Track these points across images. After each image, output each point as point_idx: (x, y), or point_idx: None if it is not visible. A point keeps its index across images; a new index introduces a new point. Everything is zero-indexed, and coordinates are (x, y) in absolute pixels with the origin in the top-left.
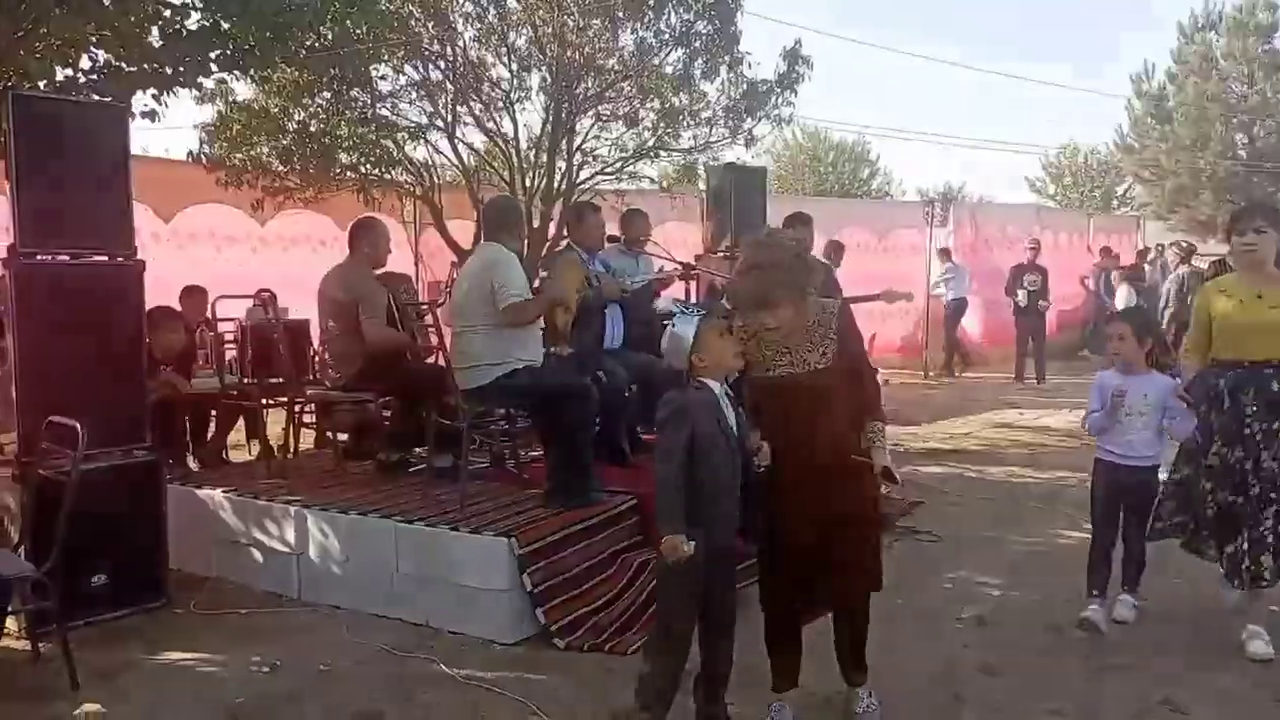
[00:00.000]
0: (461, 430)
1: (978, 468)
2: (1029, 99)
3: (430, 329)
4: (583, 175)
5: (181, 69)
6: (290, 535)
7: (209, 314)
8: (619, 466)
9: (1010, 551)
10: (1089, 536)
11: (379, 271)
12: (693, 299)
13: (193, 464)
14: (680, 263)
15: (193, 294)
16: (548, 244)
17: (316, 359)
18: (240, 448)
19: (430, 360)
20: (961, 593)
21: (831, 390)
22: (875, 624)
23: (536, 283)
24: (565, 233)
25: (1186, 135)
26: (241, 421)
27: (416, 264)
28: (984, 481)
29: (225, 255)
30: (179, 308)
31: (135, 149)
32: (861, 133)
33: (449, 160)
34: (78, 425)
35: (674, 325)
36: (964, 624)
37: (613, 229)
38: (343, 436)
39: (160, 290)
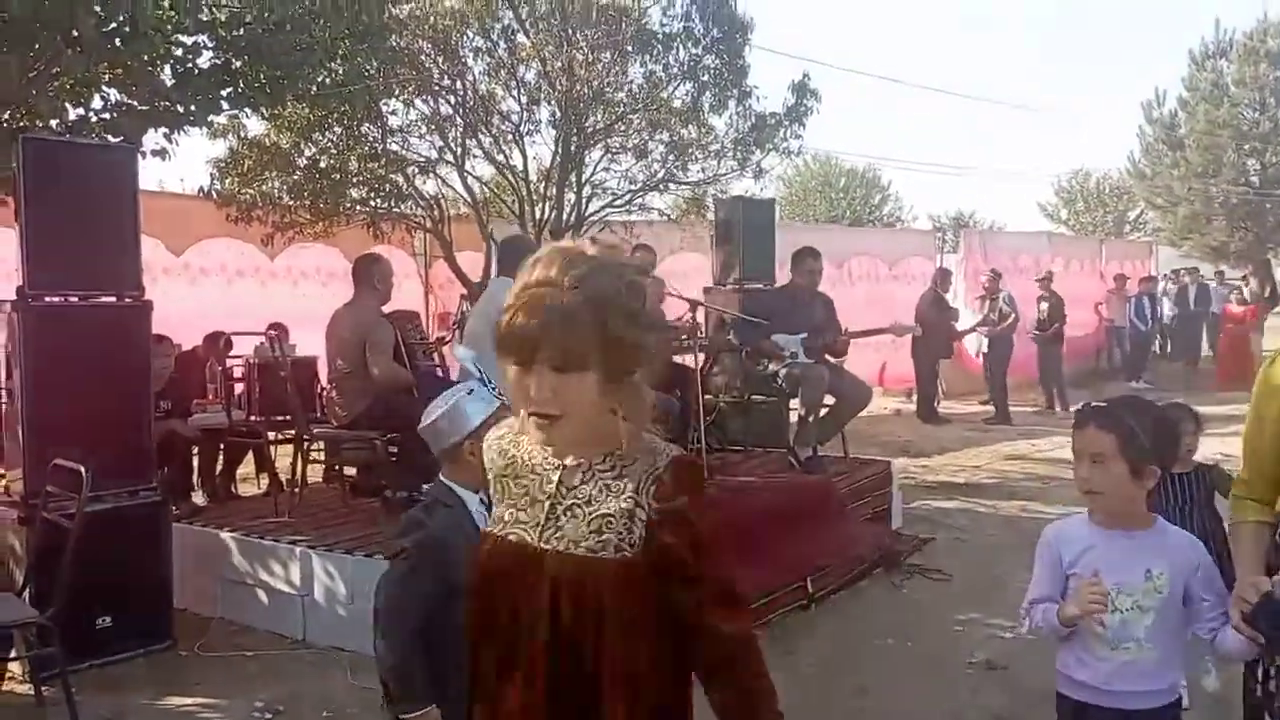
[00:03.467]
0: None
1: (990, 502)
2: (1040, 126)
3: (437, 369)
4: (592, 207)
5: (193, 107)
6: (295, 576)
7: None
8: None
9: (1022, 591)
10: None
11: (387, 309)
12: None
13: (200, 499)
14: (686, 299)
15: (215, 339)
16: None
17: (324, 396)
18: (249, 480)
19: None
20: (971, 635)
21: (623, 620)
22: (882, 669)
23: None
24: None
25: (1199, 162)
26: (250, 454)
27: (426, 296)
28: (996, 516)
29: (235, 289)
30: (200, 349)
31: (150, 183)
32: (872, 162)
33: (459, 194)
34: (82, 469)
35: (460, 398)
36: (974, 669)
37: None
38: (350, 470)
39: (171, 325)
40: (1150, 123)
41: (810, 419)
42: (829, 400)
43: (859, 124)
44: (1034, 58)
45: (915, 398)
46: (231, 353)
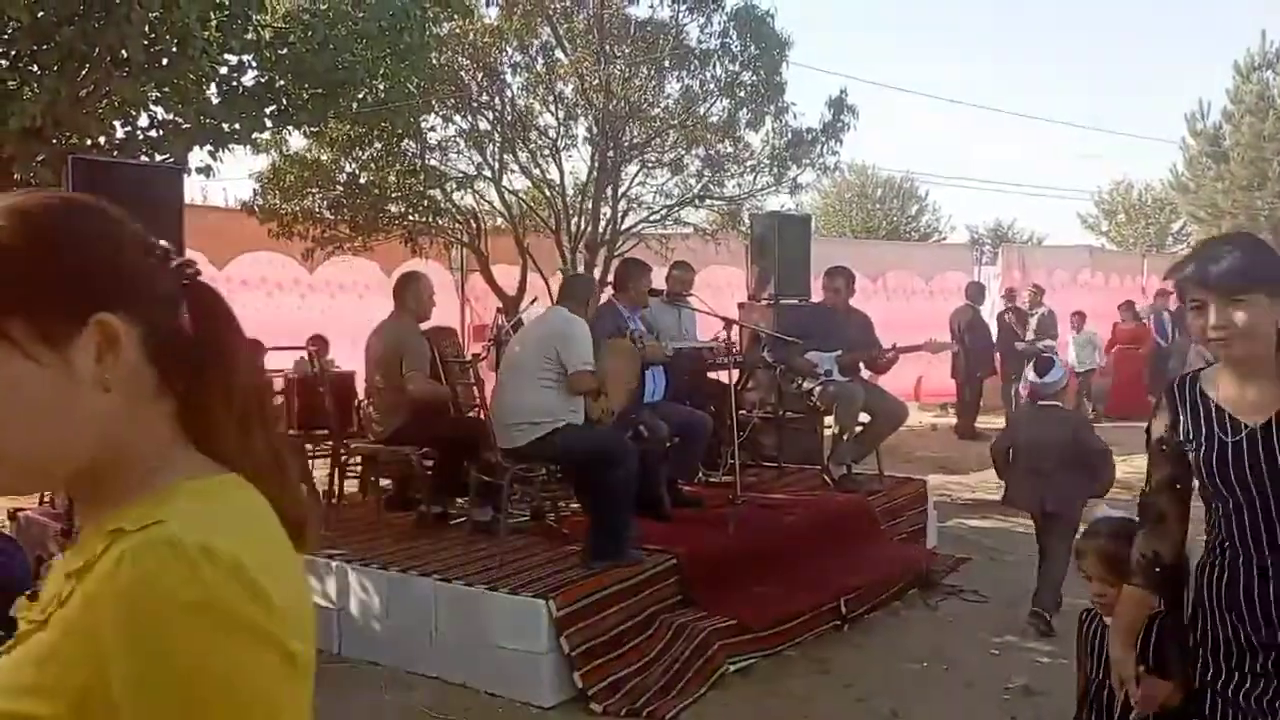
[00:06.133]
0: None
1: (1027, 521)
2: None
3: (473, 386)
4: (628, 221)
5: (238, 125)
6: (331, 590)
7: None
8: (659, 522)
9: (1060, 613)
10: None
11: (425, 326)
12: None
13: None
14: (722, 317)
15: (254, 348)
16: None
17: (360, 410)
18: None
19: (472, 414)
20: (1009, 659)
21: None
22: (917, 692)
23: None
24: (612, 284)
25: (1243, 175)
26: None
27: (462, 308)
28: (1032, 536)
29: (275, 301)
30: None
31: (194, 195)
32: (909, 175)
33: (495, 208)
34: None
35: None
36: (1011, 694)
37: (655, 271)
38: (385, 481)
39: None
40: (1194, 135)
41: (845, 437)
42: (864, 418)
43: (896, 136)
44: (1075, 68)
45: (954, 413)
46: (270, 368)
